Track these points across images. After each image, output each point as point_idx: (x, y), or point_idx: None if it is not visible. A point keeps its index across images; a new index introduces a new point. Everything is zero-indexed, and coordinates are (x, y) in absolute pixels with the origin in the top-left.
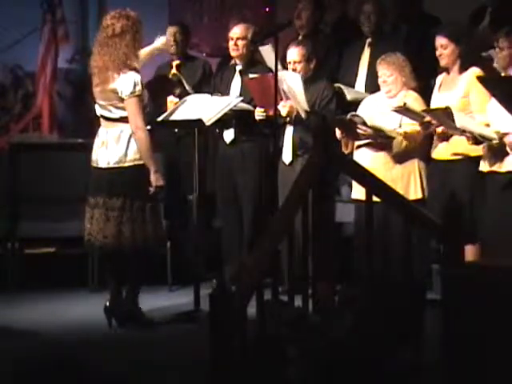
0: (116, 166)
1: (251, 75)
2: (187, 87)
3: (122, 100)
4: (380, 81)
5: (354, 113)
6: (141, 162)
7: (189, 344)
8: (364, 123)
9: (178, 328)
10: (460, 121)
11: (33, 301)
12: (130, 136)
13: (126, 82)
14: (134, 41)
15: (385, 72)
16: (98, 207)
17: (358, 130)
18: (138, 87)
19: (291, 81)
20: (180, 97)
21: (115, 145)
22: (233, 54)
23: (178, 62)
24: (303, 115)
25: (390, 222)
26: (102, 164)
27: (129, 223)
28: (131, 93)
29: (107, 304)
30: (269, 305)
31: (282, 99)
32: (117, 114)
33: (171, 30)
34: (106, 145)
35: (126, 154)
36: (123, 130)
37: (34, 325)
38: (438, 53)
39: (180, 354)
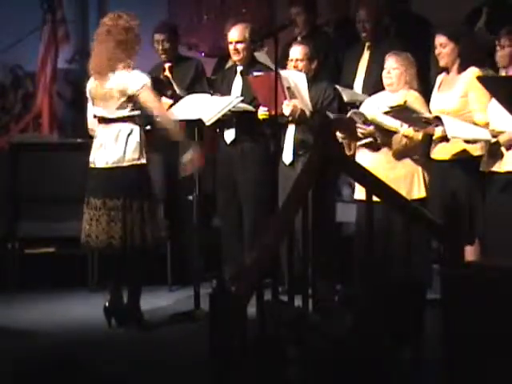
0: (115, 165)
1: (256, 73)
2: (177, 90)
3: (127, 98)
4: (384, 73)
5: (355, 110)
6: (139, 162)
7: (189, 344)
8: (365, 121)
9: (178, 328)
10: (451, 131)
11: (33, 301)
12: (129, 135)
13: (132, 78)
14: (125, 41)
15: (391, 64)
16: (98, 209)
17: (358, 129)
18: (147, 78)
19: (297, 79)
20: (172, 98)
21: (113, 144)
22: (234, 58)
23: (169, 64)
24: (308, 114)
25: (392, 222)
26: (100, 164)
27: (130, 223)
28: (143, 85)
29: (107, 304)
30: (269, 305)
31: (285, 98)
32: (114, 114)
33: (157, 37)
34: (104, 145)
35: (124, 154)
36: (121, 129)
37: (33, 325)
38: (436, 51)
39: (180, 354)
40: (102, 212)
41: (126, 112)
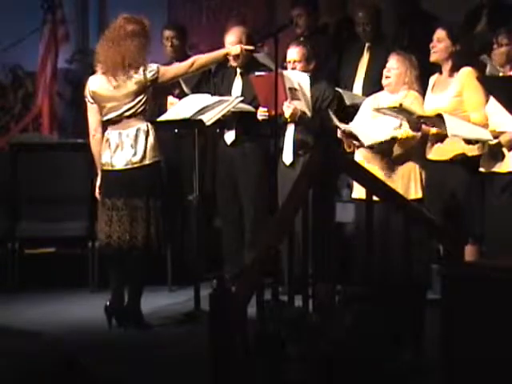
0: (137, 165)
1: (258, 73)
2: (185, 88)
3: (143, 85)
4: (384, 71)
5: (343, 127)
6: (159, 159)
7: (189, 344)
8: (356, 138)
9: (178, 328)
10: (452, 129)
11: (33, 301)
12: (148, 133)
13: (143, 71)
14: (142, 45)
15: (393, 64)
16: (120, 209)
17: (352, 143)
18: (155, 64)
19: (300, 80)
20: (179, 97)
21: (133, 144)
22: (234, 64)
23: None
24: (309, 114)
25: (391, 221)
26: (119, 165)
27: (155, 223)
28: (156, 68)
29: (108, 303)
30: (269, 305)
31: (286, 99)
32: (131, 110)
33: (167, 34)
34: (121, 146)
35: (145, 152)
36: (140, 127)
37: (34, 325)
38: (432, 44)
39: (180, 354)
40: (124, 212)
41: (142, 106)
